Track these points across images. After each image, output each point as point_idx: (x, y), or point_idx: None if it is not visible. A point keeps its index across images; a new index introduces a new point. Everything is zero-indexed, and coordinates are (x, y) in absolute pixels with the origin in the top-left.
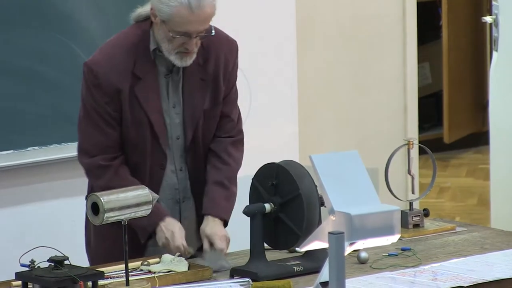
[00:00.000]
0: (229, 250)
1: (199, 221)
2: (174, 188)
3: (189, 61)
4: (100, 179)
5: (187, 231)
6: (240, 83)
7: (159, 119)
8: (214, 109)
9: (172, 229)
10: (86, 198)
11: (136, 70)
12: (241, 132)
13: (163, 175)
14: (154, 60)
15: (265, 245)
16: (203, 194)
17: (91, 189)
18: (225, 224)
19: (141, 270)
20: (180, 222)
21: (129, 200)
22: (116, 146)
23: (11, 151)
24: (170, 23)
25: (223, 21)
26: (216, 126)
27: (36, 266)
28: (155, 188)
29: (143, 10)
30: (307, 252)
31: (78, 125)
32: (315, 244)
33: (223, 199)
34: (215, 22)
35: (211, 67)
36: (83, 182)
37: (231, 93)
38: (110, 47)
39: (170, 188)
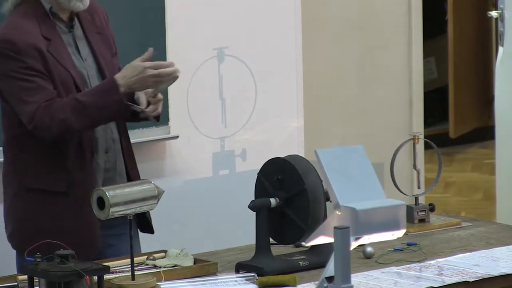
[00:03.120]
0: (235, 245)
1: (125, 174)
2: (102, 137)
3: (81, 4)
4: (58, 112)
5: (109, 184)
6: (246, 78)
7: (77, 73)
8: (113, 59)
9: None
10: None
11: (44, 32)
12: None
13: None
14: (54, 20)
15: (271, 239)
16: (127, 145)
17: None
18: None
19: (147, 264)
20: (104, 174)
21: (134, 194)
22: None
23: None
24: None
25: (229, 13)
26: None
27: (41, 261)
28: (89, 137)
29: None
30: (312, 246)
31: (12, 104)
32: (320, 239)
33: None
34: (218, 15)
35: (98, 22)
36: None
37: (116, 51)
38: (11, 22)
39: (99, 138)
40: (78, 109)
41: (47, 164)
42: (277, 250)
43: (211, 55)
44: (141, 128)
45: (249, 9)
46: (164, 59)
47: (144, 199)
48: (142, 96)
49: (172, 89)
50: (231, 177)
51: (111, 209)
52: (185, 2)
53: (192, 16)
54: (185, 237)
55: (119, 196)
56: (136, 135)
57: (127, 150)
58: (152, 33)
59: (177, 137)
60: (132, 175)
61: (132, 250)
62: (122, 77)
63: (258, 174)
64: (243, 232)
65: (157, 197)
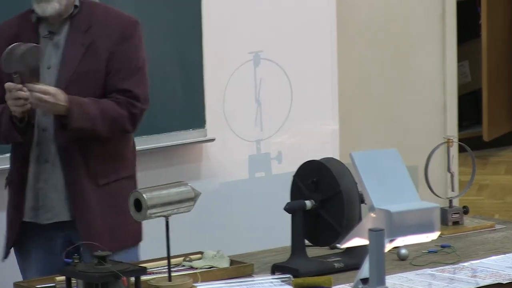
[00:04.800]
0: (270, 246)
1: (63, 188)
2: (37, 147)
3: (45, 8)
4: None
5: (42, 194)
6: (282, 81)
7: None
8: (90, 74)
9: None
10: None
11: (20, 32)
12: (138, 109)
13: (32, 133)
14: (38, 22)
15: (306, 241)
16: (68, 159)
17: None
18: (67, 110)
19: (183, 266)
20: (36, 183)
21: (171, 196)
22: None
23: None
24: None
25: (264, 17)
26: (92, 94)
27: (79, 262)
28: (26, 145)
29: None
30: (347, 248)
31: None
32: (355, 240)
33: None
34: (254, 19)
35: (92, 34)
36: None
37: (126, 69)
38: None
39: (35, 147)
40: None
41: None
42: (312, 252)
43: (247, 59)
44: (178, 131)
45: (285, 13)
46: (201, 63)
47: (180, 201)
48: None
49: (209, 93)
50: (267, 180)
51: (148, 211)
52: (222, 6)
53: (228, 20)
54: (221, 239)
55: (156, 198)
56: (173, 138)
57: (69, 163)
58: (188, 38)
59: (213, 139)
60: (70, 190)
61: (169, 251)
62: None
63: (293, 176)
64: (278, 234)
65: (193, 199)
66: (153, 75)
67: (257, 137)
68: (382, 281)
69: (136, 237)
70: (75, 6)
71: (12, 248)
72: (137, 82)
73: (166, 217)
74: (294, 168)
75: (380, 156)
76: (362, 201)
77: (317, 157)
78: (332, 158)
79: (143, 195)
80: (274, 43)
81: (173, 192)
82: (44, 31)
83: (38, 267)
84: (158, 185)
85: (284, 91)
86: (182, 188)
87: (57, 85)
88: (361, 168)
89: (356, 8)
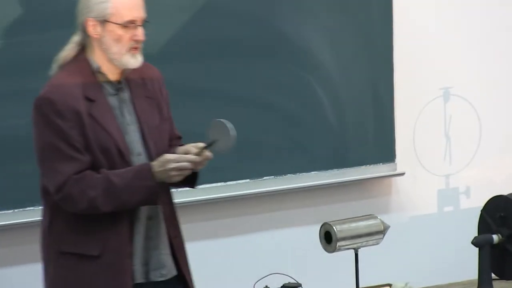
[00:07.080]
0: (457, 280)
1: (167, 243)
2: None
3: (139, 58)
4: (89, 189)
5: (152, 251)
6: (470, 117)
7: (122, 139)
8: (162, 125)
9: (165, 160)
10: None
11: (87, 93)
12: None
13: None
14: (101, 81)
15: (493, 275)
16: (168, 214)
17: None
18: None
19: None
20: (145, 241)
21: (361, 229)
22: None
23: (248, 180)
24: (114, 16)
25: (454, 54)
26: (168, 144)
27: None
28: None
29: (66, 52)
30: None
31: (41, 169)
32: None
33: None
34: (443, 55)
35: (150, 85)
36: (317, 211)
37: (170, 115)
38: (55, 81)
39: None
40: (110, 191)
41: (83, 228)
42: (499, 285)
43: (438, 95)
44: (368, 165)
45: (475, 49)
46: (392, 98)
47: (370, 234)
48: (191, 149)
49: (399, 127)
50: (456, 214)
51: (338, 243)
52: (413, 42)
53: (419, 57)
54: (410, 271)
55: (346, 231)
56: (363, 172)
57: (169, 218)
58: (380, 73)
59: (403, 174)
60: (175, 243)
61: (357, 283)
62: (157, 166)
63: (481, 211)
64: (465, 267)
65: (382, 232)
66: (346, 110)
67: (446, 171)
68: None
69: None
70: None
71: None
72: None
73: (356, 249)
74: (482, 203)
75: None
76: None
77: (506, 191)
78: None
79: (334, 227)
80: (464, 79)
81: (363, 225)
82: (108, 89)
83: None
84: (348, 218)
85: (473, 127)
86: (372, 221)
87: (144, 142)
88: None
89: None
